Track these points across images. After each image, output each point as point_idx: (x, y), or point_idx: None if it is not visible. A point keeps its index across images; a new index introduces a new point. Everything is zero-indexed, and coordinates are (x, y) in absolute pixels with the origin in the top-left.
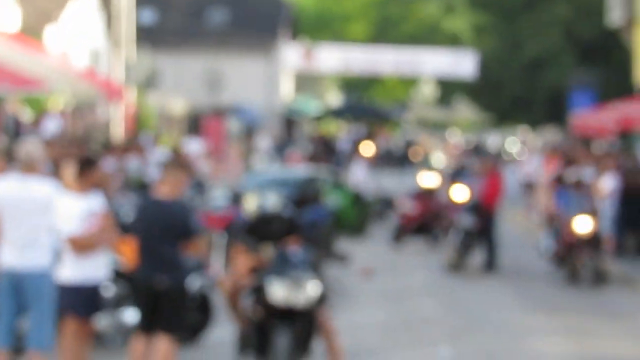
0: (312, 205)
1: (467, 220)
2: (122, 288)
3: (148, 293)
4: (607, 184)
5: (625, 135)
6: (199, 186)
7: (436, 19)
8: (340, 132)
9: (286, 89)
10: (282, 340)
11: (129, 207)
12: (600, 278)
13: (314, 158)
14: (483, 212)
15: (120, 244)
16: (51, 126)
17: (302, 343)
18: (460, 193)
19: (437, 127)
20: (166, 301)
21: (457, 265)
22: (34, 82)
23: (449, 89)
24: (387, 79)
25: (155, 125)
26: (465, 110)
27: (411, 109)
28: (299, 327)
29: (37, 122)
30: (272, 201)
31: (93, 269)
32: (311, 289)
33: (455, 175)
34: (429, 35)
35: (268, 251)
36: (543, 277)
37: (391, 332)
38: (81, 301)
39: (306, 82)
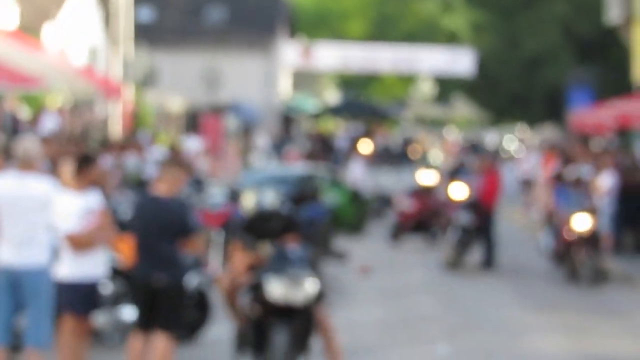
0: (310, 202)
1: (465, 218)
2: (120, 285)
3: (146, 290)
4: (605, 182)
5: (623, 133)
6: (198, 184)
7: (434, 17)
8: (338, 130)
9: (284, 87)
10: (280, 338)
11: (126, 205)
12: (600, 276)
13: (311, 156)
14: (481, 210)
15: (118, 242)
16: (49, 124)
17: (300, 341)
18: (458, 191)
19: (435, 125)
20: (164, 299)
21: (454, 263)
22: (32, 79)
23: (447, 86)
24: (385, 76)
25: (153, 123)
26: (463, 108)
27: (409, 107)
28: (297, 324)
29: (35, 120)
30: (270, 199)
31: (91, 267)
32: (309, 286)
33: (454, 173)
34: (427, 33)
35: (266, 249)
36: (542, 275)
37: (389, 329)
38: (79, 299)
39: (304, 80)
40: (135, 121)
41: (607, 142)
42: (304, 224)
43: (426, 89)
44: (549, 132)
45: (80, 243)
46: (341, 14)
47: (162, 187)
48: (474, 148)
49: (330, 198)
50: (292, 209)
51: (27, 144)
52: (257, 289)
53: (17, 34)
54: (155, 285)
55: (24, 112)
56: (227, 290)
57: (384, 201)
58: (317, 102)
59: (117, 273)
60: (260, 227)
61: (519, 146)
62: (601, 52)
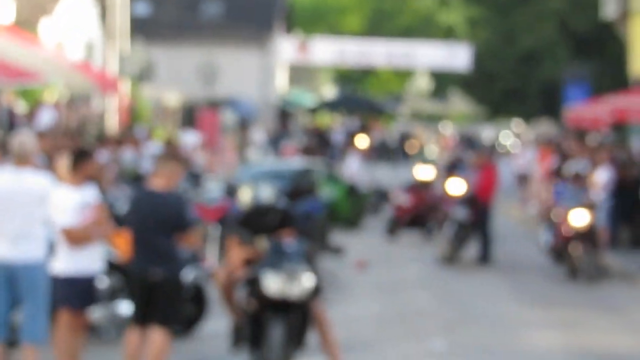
0: (306, 197)
1: (461, 213)
2: (117, 280)
3: (142, 285)
4: (601, 177)
5: (619, 128)
6: (194, 178)
7: (431, 12)
8: (335, 124)
9: (281, 81)
10: (276, 333)
11: (123, 200)
12: (599, 273)
13: (308, 150)
14: (478, 205)
15: (114, 236)
16: (45, 118)
17: (296, 335)
18: (455, 186)
19: (432, 120)
20: (161, 293)
21: (450, 258)
22: (29, 74)
23: (443, 81)
24: (382, 71)
25: (150, 117)
26: (459, 103)
27: (406, 102)
28: (293, 319)
29: (31, 115)
30: (267, 193)
31: (87, 261)
32: (306, 281)
33: (451, 168)
34: (424, 28)
35: (262, 243)
36: (538, 270)
37: (385, 324)
38: (75, 293)
39: (301, 74)
40: (131, 116)
41: (603, 137)
42: (301, 219)
43: (422, 84)
44: (545, 127)
45: (76, 238)
46: (338, 9)
47: (159, 182)
48: (470, 143)
49: (326, 193)
50: (288, 203)
51: (23, 139)
52: (253, 284)
53: (13, 29)
54: (151, 280)
55: (20, 107)
56: (224, 284)
57: (381, 196)
58: (314, 97)
59: (113, 267)
60: (256, 221)
61: (515, 141)
62: (597, 47)
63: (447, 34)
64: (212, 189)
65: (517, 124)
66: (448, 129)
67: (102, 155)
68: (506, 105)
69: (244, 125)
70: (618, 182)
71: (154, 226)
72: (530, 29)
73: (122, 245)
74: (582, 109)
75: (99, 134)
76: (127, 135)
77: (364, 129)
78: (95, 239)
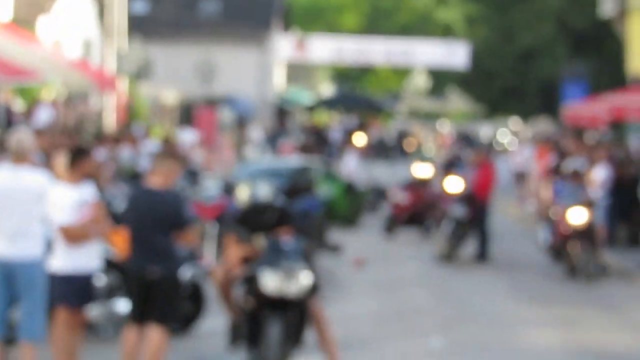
0: (304, 195)
1: (459, 211)
2: (114, 278)
3: (140, 283)
4: (599, 175)
5: (617, 126)
6: (192, 176)
7: (428, 10)
8: (333, 122)
9: (279, 79)
10: (274, 331)
11: (121, 198)
12: (599, 271)
13: (306, 148)
14: (475, 203)
15: (112, 235)
16: (43, 116)
17: (294, 333)
18: (453, 184)
19: (430, 118)
20: (158, 291)
21: (448, 256)
22: (27, 72)
23: (441, 79)
24: (380, 69)
25: (148, 115)
26: (457, 101)
27: (403, 100)
28: (291, 317)
29: (29, 113)
30: (264, 191)
31: (85, 259)
32: (303, 279)
33: (449, 166)
34: (422, 26)
35: (260, 241)
36: (536, 268)
37: (383, 322)
38: (73, 291)
39: (299, 72)
40: (129, 114)
41: (601, 135)
42: (298, 217)
43: (420, 82)
44: (543, 125)
45: (74, 235)
46: (335, 6)
47: (156, 180)
48: (468, 141)
49: (324, 191)
50: (286, 201)
51: (21, 136)
52: (251, 282)
53: (11, 27)
54: (149, 278)
55: (18, 105)
56: (221, 282)
57: (379, 194)
58: (312, 95)
59: (111, 265)
60: (254, 219)
61: (512, 139)
62: (596, 45)
63: (445, 31)
64: (210, 187)
65: (514, 122)
66: (445, 127)
67: (100, 153)
68: (504, 103)
69: (241, 123)
70: (616, 180)
71: (151, 224)
72: (529, 27)
73: (119, 243)
74: (580, 107)
75: (96, 132)
76: (125, 133)
77: (361, 127)
78: (93, 237)
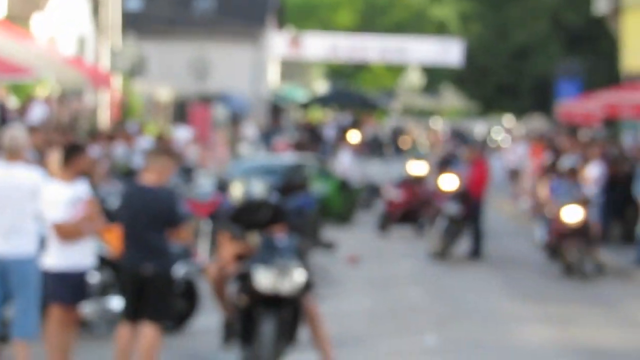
0: (298, 192)
1: (453, 208)
2: (108, 275)
3: (134, 280)
4: (593, 172)
5: (611, 123)
6: (186, 173)
7: (423, 7)
8: (327, 119)
9: (273, 77)
10: (267, 328)
11: (115, 195)
12: (596, 270)
13: (300, 146)
14: (469, 200)
15: (105, 232)
16: (37, 113)
17: (288, 331)
18: (448, 181)
19: (424, 115)
20: (152, 288)
21: (442, 253)
22: (21, 69)
23: (435, 77)
24: (374, 66)
25: (142, 112)
26: (451, 99)
27: (398, 97)
28: (285, 314)
29: (23, 109)
30: (258, 188)
31: (79, 256)
32: (297, 276)
33: (444, 163)
34: (416, 23)
35: (254, 238)
36: (530, 266)
37: (377, 319)
38: (67, 289)
39: (293, 70)
40: (123, 111)
41: (595, 133)
42: (292, 214)
43: (415, 79)
44: (537, 122)
45: (67, 233)
46: (330, 4)
47: (150, 177)
48: (461, 138)
49: (318, 188)
50: (280, 198)
51: (15, 133)
52: (245, 279)
53: (5, 24)
54: (143, 275)
55: (12, 102)
56: (215, 280)
57: (373, 191)
58: (306, 92)
59: (104, 263)
60: (248, 217)
61: (506, 136)
62: (589, 42)
63: (439, 29)
64: (204, 184)
65: (508, 119)
66: (438, 124)
67: (94, 151)
68: (498, 101)
69: (235, 120)
70: (609, 177)
71: (145, 221)
72: (523, 25)
73: (113, 241)
74: (574, 105)
75: (90, 129)
76: (119, 130)
77: (356, 124)
78: (87, 234)
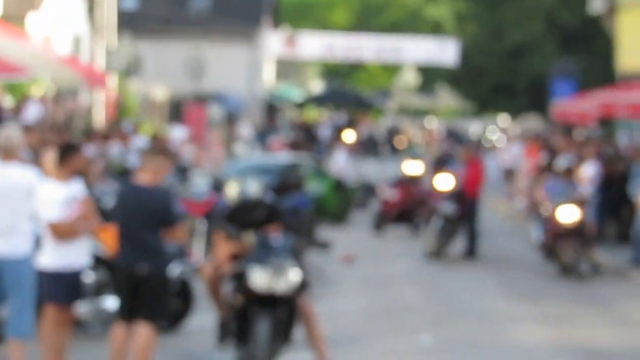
0: (293, 192)
1: (448, 208)
2: (103, 275)
3: (129, 280)
4: (588, 172)
5: (606, 123)
6: (182, 172)
7: (418, 7)
8: (322, 119)
9: (268, 76)
10: (262, 328)
11: (110, 194)
12: (593, 271)
13: (295, 145)
14: (465, 200)
15: (100, 231)
16: (32, 113)
17: (283, 330)
18: (444, 181)
19: (419, 115)
20: (147, 288)
21: (437, 253)
22: (17, 69)
23: (431, 76)
24: (370, 66)
25: (137, 112)
26: (447, 98)
27: (393, 97)
28: (279, 314)
29: (18, 109)
30: (254, 188)
31: (74, 256)
32: (292, 276)
33: (440, 163)
34: (411, 23)
35: (249, 238)
36: (526, 265)
37: (373, 319)
38: (62, 288)
39: (288, 69)
40: (119, 110)
41: (590, 132)
42: (288, 214)
43: (410, 78)
44: (532, 122)
45: (63, 232)
46: (325, 3)
47: (146, 176)
48: (457, 138)
49: (314, 187)
50: (275, 198)
51: (10, 133)
52: (240, 279)
53: (1, 23)
54: (138, 275)
55: (7, 101)
56: (210, 279)
57: (368, 191)
58: (301, 91)
59: (99, 262)
60: (243, 216)
61: (501, 136)
62: (585, 42)
63: (434, 28)
64: (199, 184)
65: (502, 119)
66: (433, 124)
67: (89, 150)
68: (494, 101)
69: (231, 119)
70: (605, 177)
71: (140, 221)
72: (518, 24)
73: (108, 240)
74: (569, 104)
75: (86, 129)
76: (114, 130)
77: (351, 123)
78: (82, 234)
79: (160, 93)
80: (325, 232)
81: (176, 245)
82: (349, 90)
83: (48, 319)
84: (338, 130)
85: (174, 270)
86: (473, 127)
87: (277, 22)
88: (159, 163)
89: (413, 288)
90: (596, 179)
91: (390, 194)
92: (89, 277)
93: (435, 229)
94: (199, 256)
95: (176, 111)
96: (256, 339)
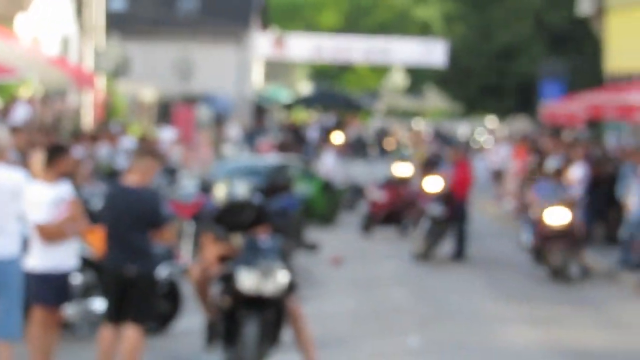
0: (282, 193)
1: (436, 209)
2: (91, 277)
3: (117, 281)
4: (576, 173)
5: (594, 125)
6: (170, 174)
7: (407, 8)
8: (311, 120)
9: (257, 77)
10: (250, 329)
11: (98, 196)
12: (583, 274)
13: (284, 146)
14: (453, 201)
15: (88, 233)
16: (20, 114)
17: (271, 332)
18: (433, 183)
19: (407, 116)
20: (135, 290)
21: (425, 254)
22: (5, 69)
23: (419, 78)
24: (358, 67)
25: (126, 113)
26: (435, 99)
27: (382, 98)
28: (268, 315)
29: (6, 110)
30: (242, 189)
31: (62, 258)
32: (281, 277)
33: (429, 164)
34: (400, 24)
35: (237, 240)
36: (514, 267)
37: (361, 320)
38: (49, 290)
39: (277, 70)
40: (107, 111)
41: (578, 134)
42: (276, 215)
43: (399, 80)
44: (520, 123)
45: (50, 234)
46: (314, 4)
47: (133, 178)
48: (445, 139)
49: (302, 189)
50: (263, 199)
51: None
52: (228, 280)
53: None
54: (126, 276)
55: None
56: (198, 281)
57: (356, 192)
58: (290, 92)
59: (87, 264)
60: (231, 218)
61: (488, 138)
62: (573, 43)
63: (423, 30)
64: (187, 185)
65: (490, 120)
66: (420, 125)
67: (77, 151)
68: (482, 102)
69: (219, 121)
70: (593, 178)
71: (128, 222)
72: (506, 25)
73: (96, 242)
74: (557, 106)
75: (74, 130)
76: (103, 131)
77: (339, 125)
78: (70, 235)
79: (148, 94)
80: (313, 233)
81: (164, 246)
82: (337, 92)
83: (36, 321)
84: (326, 132)
85: (162, 271)
86: (461, 129)
87: (265, 23)
88: (147, 164)
89: (401, 289)
90: (584, 180)
91: (378, 196)
92: (77, 279)
93: (423, 230)
94: (187, 258)
95: (164, 112)
96: (244, 341)
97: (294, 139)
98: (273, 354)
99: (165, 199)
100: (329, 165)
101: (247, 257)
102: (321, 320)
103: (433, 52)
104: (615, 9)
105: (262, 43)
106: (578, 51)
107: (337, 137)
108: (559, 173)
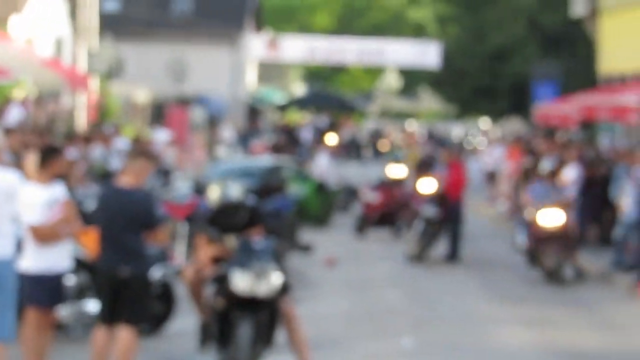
0: (275, 195)
1: (430, 211)
2: (84, 278)
3: (110, 283)
4: (570, 174)
5: (587, 126)
6: (164, 176)
7: (400, 9)
8: (304, 122)
9: (251, 79)
10: (244, 331)
11: (92, 197)
12: (578, 276)
13: (277, 148)
14: (447, 203)
15: (82, 234)
16: (13, 115)
17: (264, 333)
18: (426, 184)
19: (401, 118)
20: (128, 291)
21: (419, 256)
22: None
23: (413, 79)
24: (352, 68)
25: (119, 114)
26: (429, 101)
27: (375, 99)
28: (261, 317)
29: None
30: (236, 191)
31: (55, 259)
32: (274, 279)
33: (423, 166)
34: (394, 26)
35: (231, 241)
36: (508, 268)
37: (354, 322)
38: (43, 291)
39: (271, 72)
40: (100, 113)
41: (572, 135)
42: (270, 217)
43: (392, 81)
44: (514, 125)
45: (44, 235)
46: (308, 6)
47: (127, 179)
48: (438, 141)
49: (296, 190)
50: (257, 201)
51: None
52: (222, 282)
53: None
54: (119, 278)
55: None
56: (192, 282)
57: (350, 193)
58: (284, 94)
59: (81, 265)
60: (225, 219)
61: (482, 139)
62: (566, 45)
63: (416, 31)
64: (181, 187)
65: (483, 121)
66: (413, 126)
67: (71, 153)
68: (475, 103)
69: (213, 122)
70: (586, 180)
71: (122, 223)
72: (500, 27)
73: (89, 243)
74: (551, 107)
75: (67, 131)
76: (96, 132)
77: (333, 126)
78: (63, 237)
79: (142, 95)
80: (307, 235)
81: (158, 248)
82: (331, 93)
83: (29, 322)
84: (320, 133)
85: (156, 273)
86: (455, 130)
87: (259, 25)
88: (140, 165)
89: (395, 291)
90: (578, 182)
91: (372, 197)
92: (71, 280)
93: (417, 231)
94: (180, 259)
95: (158, 114)
96: (238, 342)
97: (288, 141)
98: (267, 355)
99: (159, 200)
100: (322, 166)
101: (241, 259)
102: (315, 321)
103: (427, 54)
104: (608, 11)
105: (256, 44)
106: (571, 52)
107: (331, 139)
108: (552, 174)
